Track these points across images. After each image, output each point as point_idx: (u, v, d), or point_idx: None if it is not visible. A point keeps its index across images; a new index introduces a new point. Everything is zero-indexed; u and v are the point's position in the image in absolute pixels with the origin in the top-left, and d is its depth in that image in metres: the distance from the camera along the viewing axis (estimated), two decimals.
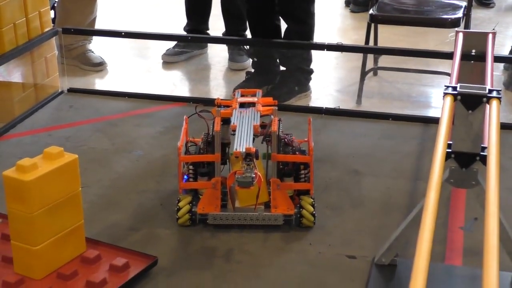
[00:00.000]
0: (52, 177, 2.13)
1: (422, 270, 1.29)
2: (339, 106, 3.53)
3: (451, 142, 2.12)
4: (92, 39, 4.26)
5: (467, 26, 3.65)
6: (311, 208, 2.50)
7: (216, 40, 4.23)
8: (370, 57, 3.97)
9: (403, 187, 2.81)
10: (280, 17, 3.66)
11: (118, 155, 3.07)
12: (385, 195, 2.75)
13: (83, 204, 2.62)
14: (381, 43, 4.17)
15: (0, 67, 3.31)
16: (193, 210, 2.50)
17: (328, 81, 4.02)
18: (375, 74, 4.04)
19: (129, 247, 2.35)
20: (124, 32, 3.77)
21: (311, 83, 3.79)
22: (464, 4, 3.67)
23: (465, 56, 3.17)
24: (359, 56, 3.80)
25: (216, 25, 4.38)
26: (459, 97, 2.06)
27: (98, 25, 4.24)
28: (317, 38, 3.72)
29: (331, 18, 5.40)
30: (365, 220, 2.59)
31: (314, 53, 3.78)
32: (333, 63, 4.27)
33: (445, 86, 2.14)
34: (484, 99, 2.04)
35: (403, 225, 2.25)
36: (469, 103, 2.06)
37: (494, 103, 2.02)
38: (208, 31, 4.40)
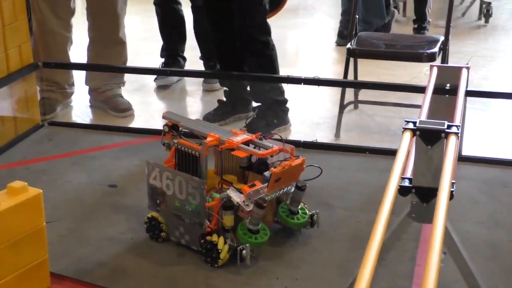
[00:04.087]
0: (14, 212, 2.15)
1: None
2: (316, 140, 3.54)
3: (411, 177, 2.13)
4: (123, 83, 4.16)
5: (444, 60, 3.68)
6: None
7: (189, 74, 4.35)
8: (351, 90, 4.00)
9: (374, 221, 2.80)
10: None
11: (93, 189, 3.08)
12: (355, 229, 2.75)
13: (53, 238, 2.65)
14: (365, 76, 4.21)
15: None
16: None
17: (309, 114, 4.04)
18: (356, 107, 4.07)
19: (96, 282, 2.35)
20: (103, 66, 3.81)
21: (291, 117, 3.81)
22: (441, 38, 3.70)
23: (439, 90, 3.21)
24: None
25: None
26: (418, 132, 2.08)
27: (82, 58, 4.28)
28: (301, 71, 3.75)
29: (319, 51, 5.45)
30: (333, 254, 2.59)
31: (296, 87, 3.81)
32: (314, 96, 4.29)
33: (405, 121, 2.16)
34: (442, 135, 2.06)
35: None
36: (428, 139, 2.07)
37: (452, 138, 2.03)
38: (183, 54, 4.55)
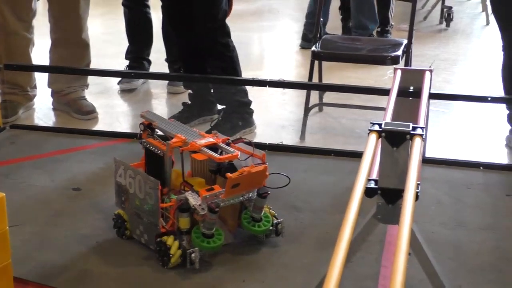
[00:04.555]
0: None
1: None
2: (282, 142, 3.55)
3: (377, 179, 2.15)
4: (87, 86, 4.12)
5: (407, 63, 3.72)
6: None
7: (153, 76, 4.32)
8: (316, 93, 4.02)
9: (340, 223, 2.82)
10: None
11: (57, 192, 3.04)
12: (321, 231, 2.77)
13: (16, 242, 2.61)
14: (330, 79, 4.24)
15: None
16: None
17: (274, 117, 4.05)
18: (321, 110, 4.09)
19: (60, 287, 2.32)
20: (66, 68, 3.78)
21: (256, 119, 3.82)
22: (404, 41, 3.74)
23: (403, 93, 3.24)
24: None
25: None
26: (383, 134, 2.10)
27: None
28: (266, 73, 3.76)
29: (283, 54, 5.47)
30: (299, 256, 2.60)
31: (260, 89, 3.82)
32: (279, 99, 4.31)
33: (371, 123, 2.17)
34: (408, 136, 2.08)
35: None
36: (393, 140, 2.09)
37: (417, 140, 2.05)
38: (149, 57, 4.54)
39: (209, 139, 2.61)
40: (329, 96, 4.07)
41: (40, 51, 4.23)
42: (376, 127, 2.13)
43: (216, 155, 2.53)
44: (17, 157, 3.39)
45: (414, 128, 2.10)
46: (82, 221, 2.81)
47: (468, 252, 2.65)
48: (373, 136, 2.09)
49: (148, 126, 2.73)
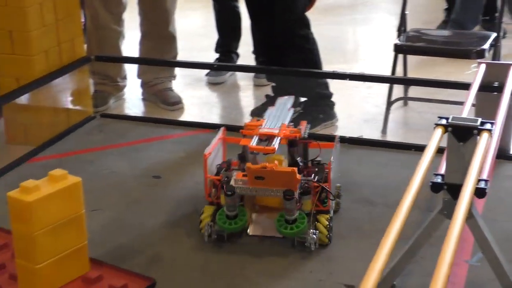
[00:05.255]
0: (54, 198, 2.21)
1: None
2: (362, 135, 3.53)
3: (443, 174, 2.12)
4: (174, 77, 4.23)
5: (496, 57, 3.62)
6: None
7: (234, 68, 4.43)
8: (401, 87, 3.98)
9: (414, 218, 2.78)
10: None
11: (137, 180, 3.15)
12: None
13: (96, 226, 2.73)
14: (422, 73, 4.15)
15: (32, 92, 3.45)
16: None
17: (357, 110, 4.03)
18: (405, 104, 4.03)
19: (132, 269, 2.40)
20: (153, 60, 3.89)
21: (338, 112, 3.81)
22: (493, 35, 3.63)
23: (487, 88, 3.16)
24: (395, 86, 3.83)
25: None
26: (450, 129, 2.07)
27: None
28: (361, 67, 3.68)
29: (380, 48, 5.40)
30: (369, 250, 2.56)
31: (345, 83, 3.80)
32: (364, 93, 4.27)
33: (438, 117, 2.14)
34: (475, 131, 2.03)
35: (398, 256, 2.24)
36: (460, 135, 2.05)
37: (484, 135, 2.01)
38: (237, 51, 4.61)
39: (274, 130, 2.64)
40: (415, 90, 4.01)
41: (131, 43, 4.37)
42: (443, 122, 2.10)
43: (253, 144, 2.58)
44: (103, 145, 3.52)
45: (482, 123, 2.06)
46: (159, 208, 2.89)
47: None
48: (439, 131, 2.07)
49: None
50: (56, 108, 3.68)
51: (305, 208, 2.57)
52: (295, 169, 2.54)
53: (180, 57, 4.39)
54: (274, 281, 2.41)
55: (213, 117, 4.05)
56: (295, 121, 3.62)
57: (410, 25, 4.15)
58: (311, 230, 2.55)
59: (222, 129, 2.95)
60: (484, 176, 2.15)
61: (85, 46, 3.88)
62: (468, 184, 1.72)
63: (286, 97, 3.04)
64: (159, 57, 4.02)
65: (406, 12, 3.76)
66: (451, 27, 5.05)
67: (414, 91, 4.01)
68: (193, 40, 5.41)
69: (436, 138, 2.01)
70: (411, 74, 4.08)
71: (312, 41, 3.64)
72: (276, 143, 2.59)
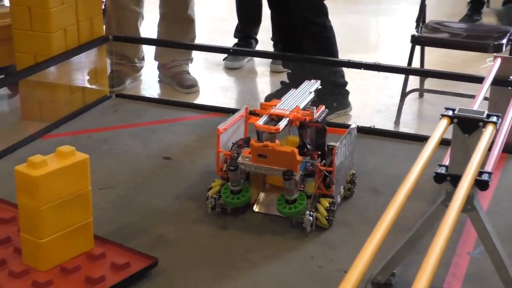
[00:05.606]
0: (61, 174, 2.24)
1: None
2: (374, 125, 3.53)
3: (447, 165, 2.12)
4: (191, 60, 4.25)
5: None
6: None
7: (251, 53, 4.43)
8: (418, 79, 3.96)
9: (419, 209, 2.78)
10: None
11: (148, 160, 3.17)
12: (399, 216, 2.72)
13: (103, 204, 2.76)
14: (435, 65, 4.13)
15: (48, 69, 3.48)
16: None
17: (373, 100, 4.02)
18: (421, 96, 4.02)
19: (136, 248, 2.43)
20: (171, 42, 3.91)
21: (353, 102, 3.81)
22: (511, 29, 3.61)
23: (501, 82, 3.15)
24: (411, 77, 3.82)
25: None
26: (455, 120, 2.06)
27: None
28: (382, 58, 3.64)
29: (403, 39, 5.38)
30: None
31: (362, 73, 3.79)
32: (381, 83, 4.26)
33: (445, 108, 2.14)
34: (480, 124, 2.03)
35: (399, 246, 2.25)
36: (465, 127, 2.05)
37: (489, 128, 2.01)
38: (256, 36, 4.61)
39: (285, 112, 2.66)
40: (430, 82, 3.99)
41: (150, 25, 4.39)
42: (450, 113, 2.10)
43: (260, 124, 2.61)
44: (117, 125, 3.55)
45: (488, 116, 2.05)
46: (167, 189, 2.91)
47: None
48: (445, 122, 2.07)
49: None
50: (72, 86, 3.71)
51: (308, 190, 2.60)
52: (296, 150, 2.56)
53: (202, 40, 4.42)
54: (274, 264, 2.43)
55: (228, 101, 4.06)
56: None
57: (434, 18, 4.13)
58: (309, 212, 2.57)
59: (245, 107, 2.97)
60: (489, 169, 2.15)
61: (104, 26, 3.91)
62: (468, 175, 1.72)
63: (313, 80, 3.04)
64: (177, 40, 4.03)
65: (426, 4, 3.74)
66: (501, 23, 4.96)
67: (432, 82, 3.99)
68: (216, 24, 5.43)
69: (440, 129, 2.01)
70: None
71: (329, 29, 3.63)
72: (282, 124, 2.60)
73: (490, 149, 2.28)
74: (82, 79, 3.78)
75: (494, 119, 2.03)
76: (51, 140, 3.35)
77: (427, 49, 3.96)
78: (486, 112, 2.06)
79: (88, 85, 3.80)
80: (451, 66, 4.42)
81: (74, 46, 3.58)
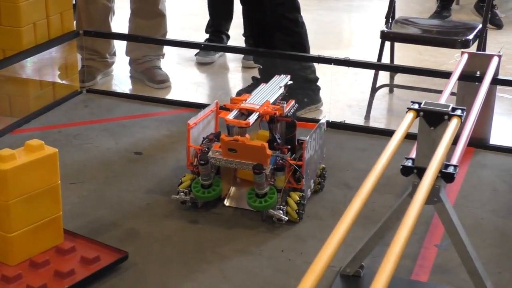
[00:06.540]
0: (30, 168, 2.24)
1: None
2: (344, 120, 3.56)
3: (413, 157, 2.15)
4: (163, 56, 4.24)
5: (481, 48, 3.64)
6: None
7: (223, 49, 4.43)
8: (387, 74, 4.00)
9: (388, 202, 2.82)
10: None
11: (119, 155, 3.17)
12: (368, 209, 2.77)
13: (74, 198, 2.76)
14: (405, 61, 4.17)
15: (17, 64, 3.46)
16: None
17: (343, 96, 4.05)
18: (391, 91, 4.06)
19: (107, 242, 2.43)
20: (142, 37, 3.91)
21: (323, 97, 3.83)
22: (479, 25, 3.65)
23: (468, 77, 3.19)
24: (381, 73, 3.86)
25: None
26: (421, 113, 2.09)
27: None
28: (353, 54, 3.67)
29: (374, 36, 5.39)
30: None
31: (334, 69, 3.82)
32: (351, 79, 4.29)
33: (411, 102, 2.17)
34: (446, 117, 2.06)
35: (367, 238, 2.28)
36: (431, 120, 2.08)
37: (454, 121, 2.04)
38: (227, 32, 4.63)
39: (255, 106, 2.68)
40: (400, 78, 4.03)
41: (121, 20, 4.38)
42: (416, 106, 2.13)
43: (230, 118, 2.63)
44: (88, 120, 3.54)
45: (454, 109, 2.09)
46: (138, 183, 2.92)
47: None
48: (411, 115, 2.10)
49: None
50: (43, 81, 3.69)
51: (278, 184, 2.62)
52: (266, 144, 2.58)
53: (174, 36, 4.41)
54: (244, 258, 2.44)
55: (200, 97, 4.07)
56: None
57: (403, 14, 4.17)
58: (278, 206, 2.59)
59: (215, 102, 2.98)
60: (455, 161, 2.18)
61: (74, 20, 3.89)
62: (432, 167, 1.75)
63: (283, 75, 3.05)
64: (148, 35, 4.03)
65: (395, 0, 3.77)
66: None
67: (402, 78, 4.03)
68: (189, 19, 5.43)
69: (407, 121, 2.04)
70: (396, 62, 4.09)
71: (301, 24, 3.65)
72: (252, 118, 2.62)
73: (456, 142, 2.32)
74: (53, 74, 3.76)
75: (459, 112, 2.07)
76: (21, 135, 3.33)
77: (399, 45, 4.00)
78: (451, 105, 2.09)
79: (58, 80, 3.78)
80: (422, 62, 4.48)
81: (44, 41, 3.56)
